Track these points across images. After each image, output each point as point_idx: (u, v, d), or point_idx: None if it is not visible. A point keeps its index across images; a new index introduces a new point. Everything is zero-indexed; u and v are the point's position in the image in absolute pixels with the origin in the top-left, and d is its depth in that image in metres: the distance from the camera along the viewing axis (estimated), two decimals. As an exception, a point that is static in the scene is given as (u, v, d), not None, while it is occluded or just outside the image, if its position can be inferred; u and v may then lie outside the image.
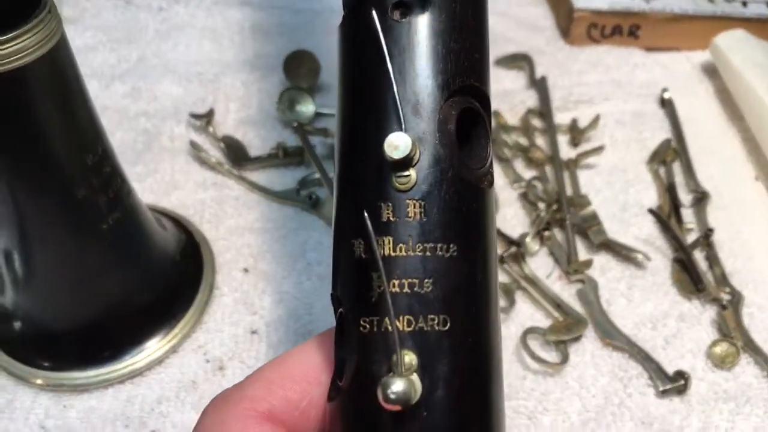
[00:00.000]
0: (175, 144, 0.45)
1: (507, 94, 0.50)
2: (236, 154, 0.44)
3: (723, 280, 0.39)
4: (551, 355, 0.35)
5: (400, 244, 0.17)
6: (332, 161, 0.44)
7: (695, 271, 0.38)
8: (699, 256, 0.40)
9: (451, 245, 0.17)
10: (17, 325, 0.33)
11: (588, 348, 0.36)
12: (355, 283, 0.18)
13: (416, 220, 0.17)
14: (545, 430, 0.33)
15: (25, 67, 0.26)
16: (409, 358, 0.17)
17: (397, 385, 0.16)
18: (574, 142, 0.47)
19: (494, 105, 0.48)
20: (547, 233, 0.40)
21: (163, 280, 0.35)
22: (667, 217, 0.42)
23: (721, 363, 0.35)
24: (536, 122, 0.48)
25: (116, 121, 0.47)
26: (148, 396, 0.33)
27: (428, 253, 0.17)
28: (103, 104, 0.47)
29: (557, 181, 0.43)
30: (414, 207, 0.17)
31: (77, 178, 0.29)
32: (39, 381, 0.32)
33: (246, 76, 0.50)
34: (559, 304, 0.37)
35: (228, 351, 0.34)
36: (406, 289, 0.17)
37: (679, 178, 0.45)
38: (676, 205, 0.42)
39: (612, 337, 0.36)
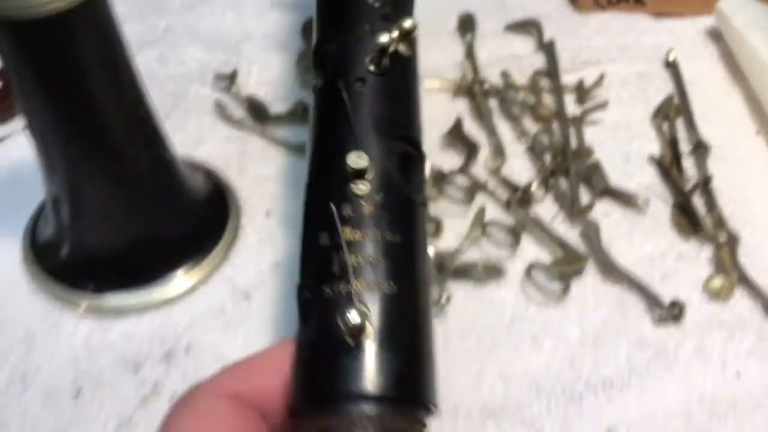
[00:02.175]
0: (201, 104, 0.48)
1: (516, 58, 0.52)
2: (258, 112, 0.47)
3: (720, 222, 0.41)
4: (554, 287, 0.37)
5: (357, 231, 0.22)
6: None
7: (694, 214, 0.40)
8: (698, 202, 0.42)
9: (395, 233, 0.23)
10: (64, 252, 0.36)
11: (589, 282, 0.38)
12: (321, 263, 0.23)
13: (369, 215, 0.23)
14: (546, 352, 0.35)
15: (71, 11, 0.28)
16: (365, 309, 0.21)
17: (354, 314, 0.20)
18: (580, 101, 0.49)
19: (504, 67, 0.51)
20: (551, 181, 0.43)
21: (193, 218, 0.38)
22: (669, 166, 0.44)
23: (717, 296, 0.37)
24: (544, 83, 0.50)
25: (147, 84, 0.49)
26: (181, 320, 0.35)
27: (378, 238, 0.23)
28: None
29: (563, 134, 0.45)
30: (368, 206, 0.23)
31: (116, 119, 0.31)
32: (83, 305, 0.36)
33: (267, 42, 0.53)
34: (562, 244, 0.39)
35: (253, 282, 0.37)
36: (361, 263, 0.22)
37: (681, 134, 0.47)
38: (677, 156, 0.44)
39: (612, 272, 0.38)
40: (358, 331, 0.21)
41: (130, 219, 0.35)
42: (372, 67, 0.26)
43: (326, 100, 0.26)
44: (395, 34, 0.26)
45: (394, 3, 0.28)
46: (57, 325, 0.35)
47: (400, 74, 0.26)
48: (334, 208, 0.22)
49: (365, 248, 0.22)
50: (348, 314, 0.20)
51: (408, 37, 0.26)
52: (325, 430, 0.21)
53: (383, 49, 0.25)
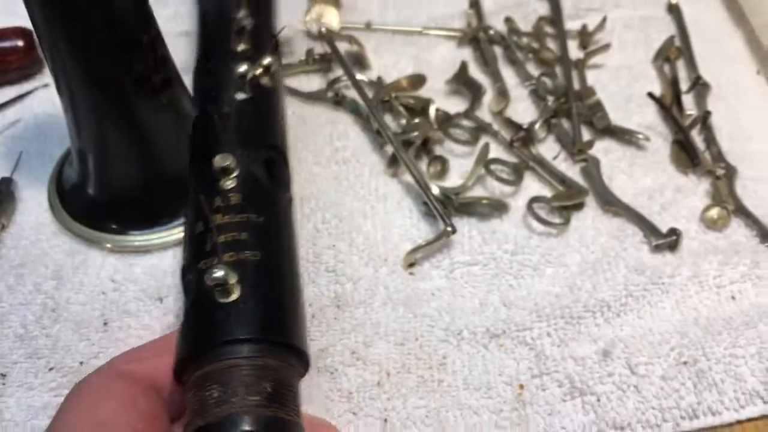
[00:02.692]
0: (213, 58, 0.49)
1: (520, 5, 0.53)
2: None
3: (719, 156, 0.42)
4: (555, 220, 0.39)
5: (226, 217, 0.26)
6: (355, 67, 0.48)
7: (692, 148, 0.41)
8: (698, 139, 0.43)
9: (260, 216, 0.27)
10: (90, 192, 0.38)
11: (589, 214, 0.39)
12: (197, 246, 0.26)
13: (236, 204, 0.27)
14: (547, 278, 0.37)
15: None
16: (230, 271, 0.24)
17: (217, 272, 0.24)
18: (583, 45, 0.50)
19: (508, 13, 0.52)
20: (554, 121, 0.44)
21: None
22: (669, 105, 0.45)
23: (714, 224, 0.39)
24: (548, 29, 0.51)
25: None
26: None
27: (245, 221, 0.27)
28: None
29: (566, 77, 0.46)
30: (235, 197, 0.27)
31: (136, 54, 0.33)
32: (108, 244, 0.38)
33: (277, -2, 0.54)
34: (563, 180, 0.41)
35: (267, 219, 0.39)
36: (230, 240, 0.26)
37: (682, 74, 0.48)
38: (677, 94, 0.45)
39: (611, 204, 0.39)
40: (224, 287, 0.24)
41: (149, 160, 0.37)
42: (238, 95, 0.32)
43: (202, 122, 0.31)
44: (258, 70, 0.32)
45: (255, 47, 0.34)
46: (84, 262, 0.38)
47: (262, 99, 0.32)
48: (203, 199, 0.27)
49: (233, 229, 0.26)
50: (214, 272, 0.24)
51: (268, 71, 0.33)
52: (204, 377, 0.23)
53: (245, 82, 0.32)
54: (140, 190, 0.38)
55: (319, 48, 0.49)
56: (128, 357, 0.25)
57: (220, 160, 0.27)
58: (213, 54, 0.35)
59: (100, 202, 0.39)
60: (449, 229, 0.37)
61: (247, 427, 0.21)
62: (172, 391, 0.25)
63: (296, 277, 0.27)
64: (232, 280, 0.24)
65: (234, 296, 0.24)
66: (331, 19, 0.50)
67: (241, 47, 0.34)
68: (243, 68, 0.31)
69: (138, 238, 0.38)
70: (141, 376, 0.24)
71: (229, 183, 0.27)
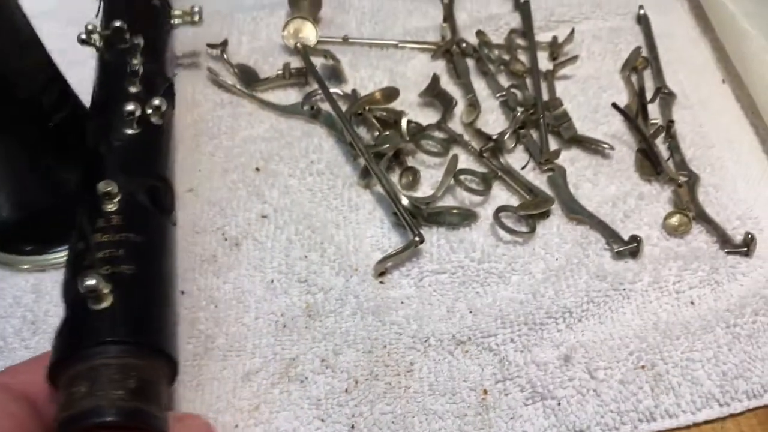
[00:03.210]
0: (195, 71, 0.51)
1: (492, 18, 0.54)
2: (248, 77, 0.50)
3: (682, 164, 0.43)
4: (522, 228, 0.40)
5: (106, 235, 0.29)
6: (331, 81, 0.49)
7: (655, 157, 0.43)
8: (663, 147, 0.45)
9: (139, 235, 0.30)
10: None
11: (555, 222, 0.41)
12: (78, 262, 0.29)
13: (117, 225, 0.30)
14: (512, 285, 0.38)
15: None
16: (106, 285, 0.27)
17: (90, 280, 0.26)
18: (553, 57, 0.51)
19: (480, 27, 0.53)
20: (522, 131, 0.45)
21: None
22: (635, 114, 0.46)
23: (675, 231, 0.40)
24: (519, 41, 0.52)
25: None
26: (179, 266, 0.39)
27: (123, 239, 0.29)
28: (130, 42, 0.53)
29: (535, 88, 0.48)
30: (116, 219, 0.30)
31: (18, 79, 0.34)
32: (25, 266, 0.39)
33: (256, 12, 0.55)
34: (531, 189, 0.42)
35: (242, 231, 0.40)
36: (107, 255, 0.28)
37: (649, 84, 0.49)
38: (643, 104, 0.46)
39: (576, 212, 0.41)
40: (96, 294, 0.26)
41: (47, 171, 0.38)
42: (126, 131, 0.35)
43: (92, 155, 0.34)
44: (148, 110, 0.36)
45: (147, 89, 0.38)
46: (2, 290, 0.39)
47: (149, 135, 0.36)
48: (84, 220, 0.30)
49: (111, 246, 0.29)
50: (86, 281, 0.26)
51: (158, 110, 0.36)
52: (74, 376, 0.25)
53: (134, 119, 0.35)
54: (52, 208, 0.39)
55: (297, 62, 0.50)
56: (4, 372, 0.28)
57: (104, 186, 0.31)
58: (109, 95, 0.38)
59: (12, 223, 0.39)
60: (417, 239, 0.38)
61: (109, 418, 0.24)
62: (45, 403, 0.27)
63: (170, 289, 0.31)
64: (106, 289, 0.27)
65: (105, 304, 0.27)
66: (308, 33, 0.51)
67: (133, 89, 0.37)
68: (131, 107, 0.35)
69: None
70: (15, 388, 0.26)
71: (111, 206, 0.31)
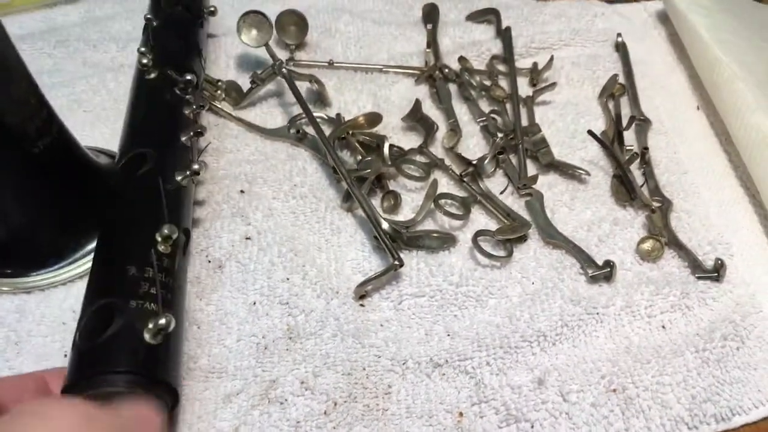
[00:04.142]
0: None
1: (475, 44, 0.56)
2: (233, 91, 0.51)
3: (656, 190, 0.44)
4: (500, 253, 0.41)
5: (159, 274, 0.33)
6: (316, 104, 0.50)
7: (630, 183, 0.44)
8: (638, 173, 0.46)
9: (176, 280, 0.35)
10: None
11: (532, 246, 0.42)
12: (130, 284, 0.33)
13: (168, 267, 0.34)
14: (489, 309, 0.39)
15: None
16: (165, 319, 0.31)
17: (162, 320, 0.31)
18: (533, 83, 0.52)
19: (463, 53, 0.54)
20: (501, 157, 0.46)
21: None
22: (611, 141, 0.47)
23: (648, 256, 0.41)
24: (500, 67, 0.54)
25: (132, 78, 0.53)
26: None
27: (169, 282, 0.34)
28: (120, 63, 0.54)
29: (514, 114, 0.49)
30: (167, 262, 0.34)
31: (3, 107, 0.34)
32: (6, 288, 0.39)
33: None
34: (509, 213, 0.43)
35: (226, 253, 0.41)
36: (154, 293, 0.33)
37: (626, 110, 0.50)
38: (619, 130, 0.48)
39: (552, 237, 0.42)
40: (160, 331, 0.31)
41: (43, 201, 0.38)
42: (178, 178, 0.39)
43: (142, 192, 0.39)
44: (195, 165, 0.40)
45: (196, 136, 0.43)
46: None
47: (189, 186, 0.41)
48: (152, 253, 0.34)
49: (162, 287, 0.33)
50: (159, 320, 0.31)
51: (202, 165, 0.41)
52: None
53: (188, 172, 0.39)
54: (31, 232, 0.39)
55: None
56: None
57: (168, 229, 0.34)
58: (165, 137, 0.42)
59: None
60: (397, 263, 0.39)
61: None
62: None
63: (181, 328, 0.35)
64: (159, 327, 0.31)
65: (153, 341, 0.31)
66: (264, 30, 0.50)
67: (184, 138, 0.42)
68: (195, 166, 0.40)
69: (44, 276, 0.40)
70: None
71: (165, 249, 0.34)
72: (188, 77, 0.44)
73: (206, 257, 0.41)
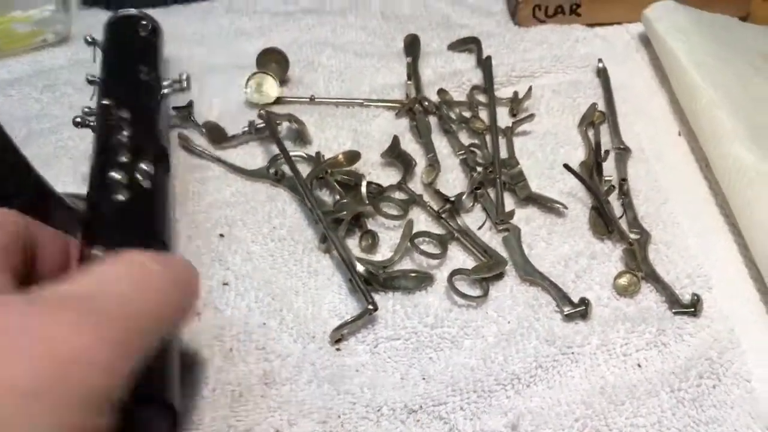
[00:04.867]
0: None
1: (456, 74, 0.56)
2: (216, 135, 0.51)
3: (635, 222, 0.44)
4: (477, 291, 0.41)
5: None
6: (296, 142, 0.51)
7: (607, 215, 0.44)
8: (617, 204, 0.46)
9: None
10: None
11: (509, 284, 0.42)
12: None
13: None
14: (465, 350, 0.39)
15: None
16: None
17: None
18: (513, 113, 0.53)
19: (444, 84, 0.54)
20: (480, 191, 0.46)
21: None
22: (590, 171, 0.47)
23: (625, 291, 0.41)
24: (481, 98, 0.54)
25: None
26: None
27: None
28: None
29: (493, 146, 0.49)
30: None
31: None
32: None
33: (227, 74, 0.57)
34: (486, 250, 0.43)
35: (204, 300, 0.41)
36: None
37: (606, 138, 0.50)
38: (597, 161, 0.47)
39: (529, 274, 0.42)
40: None
41: None
42: (117, 197, 0.39)
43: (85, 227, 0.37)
44: (138, 175, 0.40)
45: (135, 156, 0.41)
46: None
47: (141, 199, 0.40)
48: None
49: None
50: None
51: (147, 175, 0.40)
52: None
53: (121, 186, 0.39)
54: None
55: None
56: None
57: (95, 250, 0.34)
58: (99, 168, 0.41)
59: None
60: (370, 307, 0.39)
61: None
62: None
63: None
64: None
65: None
66: (269, 88, 0.53)
67: (123, 158, 0.41)
68: (117, 175, 0.39)
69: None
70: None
71: None
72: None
73: (184, 304, 0.41)
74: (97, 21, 0.56)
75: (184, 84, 0.51)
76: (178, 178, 0.49)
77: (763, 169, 0.42)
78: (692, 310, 0.39)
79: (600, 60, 0.55)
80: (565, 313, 0.39)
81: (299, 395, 0.37)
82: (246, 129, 0.51)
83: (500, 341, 0.39)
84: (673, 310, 0.40)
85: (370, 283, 0.41)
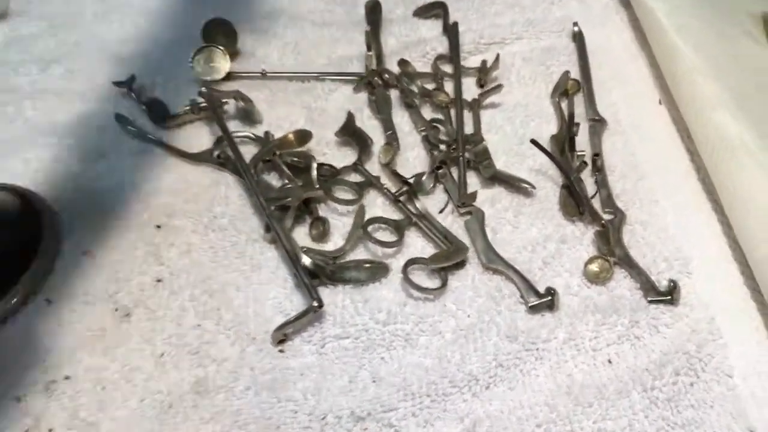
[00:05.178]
0: (105, 120, 0.48)
1: (420, 43, 0.52)
2: (159, 113, 0.47)
3: (609, 200, 0.40)
4: (434, 282, 0.37)
5: None
6: (244, 122, 0.47)
7: (578, 195, 0.40)
8: (591, 181, 0.42)
9: None
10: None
11: (470, 273, 0.38)
12: None
13: None
14: (419, 349, 0.35)
15: None
16: None
17: None
18: (480, 84, 0.48)
19: (408, 54, 0.50)
20: (441, 171, 0.42)
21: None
22: (561, 146, 0.43)
23: (596, 278, 0.37)
24: (447, 68, 0.50)
25: (55, 104, 0.50)
26: (66, 344, 0.36)
27: None
28: (42, 87, 0.51)
29: (457, 122, 0.45)
30: None
31: None
32: None
33: (173, 48, 0.52)
34: (446, 236, 0.39)
35: (135, 299, 0.38)
36: None
37: (580, 110, 0.46)
38: (570, 135, 0.43)
39: (492, 261, 0.38)
40: None
41: None
42: None
43: None
44: None
45: None
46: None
47: None
48: None
49: None
50: None
51: None
52: None
53: None
54: None
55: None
56: None
57: None
58: None
59: None
60: (315, 304, 0.35)
61: None
62: None
63: None
64: None
65: None
66: (220, 63, 0.49)
67: None
68: None
69: None
70: None
71: None
72: None
73: (114, 305, 0.38)
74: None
75: None
76: (114, 165, 0.45)
77: (748, 138, 0.38)
78: (669, 297, 0.36)
79: (575, 23, 0.51)
80: (530, 305, 0.36)
81: (235, 404, 0.34)
82: (188, 108, 0.46)
83: (458, 338, 0.35)
84: (649, 299, 0.36)
85: (317, 276, 0.37)
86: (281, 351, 0.36)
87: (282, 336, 0.36)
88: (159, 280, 0.38)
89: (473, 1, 0.55)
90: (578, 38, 0.50)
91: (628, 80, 0.48)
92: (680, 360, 0.33)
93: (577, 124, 0.44)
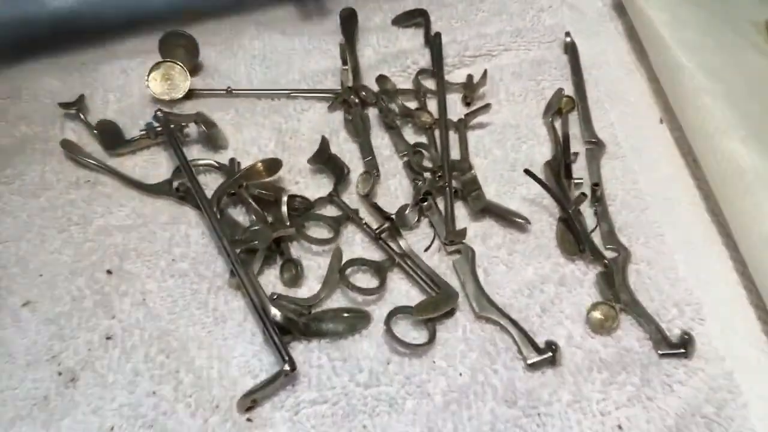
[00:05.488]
0: (49, 145, 0.43)
1: (400, 55, 0.47)
2: (111, 139, 0.42)
3: (610, 236, 0.37)
4: (421, 334, 0.33)
5: None
6: (208, 147, 0.42)
7: (577, 230, 0.36)
8: (590, 212, 0.38)
9: None
10: None
11: (461, 322, 0.34)
12: None
13: None
14: (406, 414, 0.31)
15: None
16: None
17: None
18: (466, 101, 0.44)
19: (386, 68, 0.46)
20: (426, 204, 0.38)
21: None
22: (557, 173, 0.39)
23: (600, 328, 0.33)
24: (430, 83, 0.45)
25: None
26: (2, 416, 0.32)
27: None
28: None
29: (442, 147, 0.41)
30: None
31: None
32: None
33: (126, 63, 0.48)
34: (432, 279, 0.35)
35: (81, 360, 0.33)
36: None
37: (576, 130, 0.42)
38: (566, 163, 0.39)
39: (485, 309, 0.34)
40: None
41: None
42: None
43: None
44: None
45: None
46: None
47: None
48: None
49: None
50: None
51: None
52: None
53: None
54: None
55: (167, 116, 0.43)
56: None
57: None
58: None
59: None
60: (287, 367, 0.31)
61: None
62: None
63: None
64: None
65: None
66: (178, 81, 0.44)
67: None
68: None
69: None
70: None
71: None
72: None
73: (57, 367, 0.33)
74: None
75: None
76: (59, 197, 0.40)
77: (763, 169, 0.35)
78: (683, 351, 0.32)
79: (567, 34, 0.47)
80: (529, 362, 0.32)
81: (195, 490, 0.29)
82: (144, 132, 0.42)
83: (449, 402, 0.31)
84: (660, 352, 0.32)
85: (289, 331, 0.33)
86: (249, 420, 0.31)
87: (250, 403, 0.31)
88: (109, 338, 0.34)
89: (456, 8, 0.51)
90: (571, 50, 0.47)
91: (625, 96, 0.45)
92: (698, 425, 0.30)
93: (575, 154, 0.40)
